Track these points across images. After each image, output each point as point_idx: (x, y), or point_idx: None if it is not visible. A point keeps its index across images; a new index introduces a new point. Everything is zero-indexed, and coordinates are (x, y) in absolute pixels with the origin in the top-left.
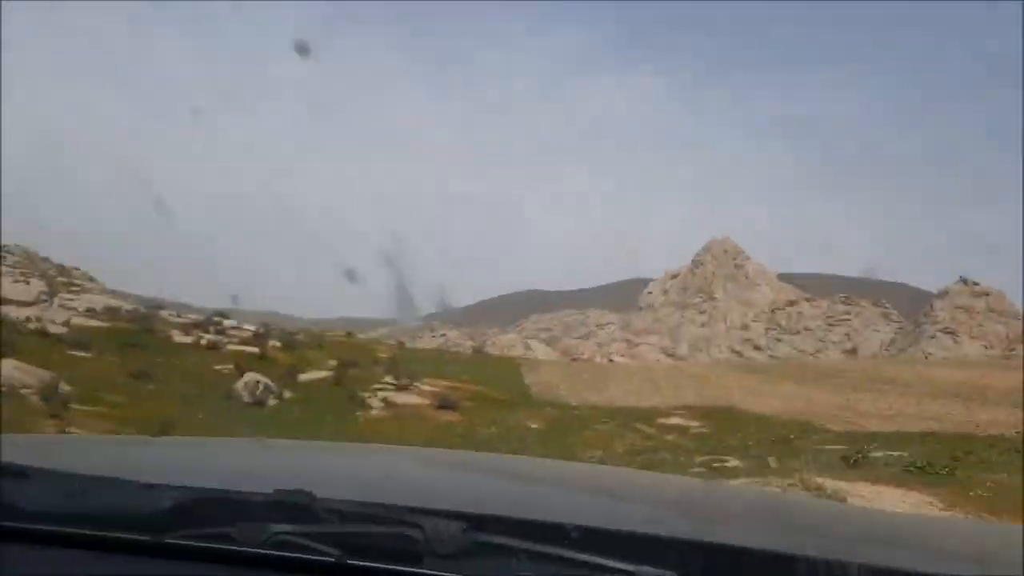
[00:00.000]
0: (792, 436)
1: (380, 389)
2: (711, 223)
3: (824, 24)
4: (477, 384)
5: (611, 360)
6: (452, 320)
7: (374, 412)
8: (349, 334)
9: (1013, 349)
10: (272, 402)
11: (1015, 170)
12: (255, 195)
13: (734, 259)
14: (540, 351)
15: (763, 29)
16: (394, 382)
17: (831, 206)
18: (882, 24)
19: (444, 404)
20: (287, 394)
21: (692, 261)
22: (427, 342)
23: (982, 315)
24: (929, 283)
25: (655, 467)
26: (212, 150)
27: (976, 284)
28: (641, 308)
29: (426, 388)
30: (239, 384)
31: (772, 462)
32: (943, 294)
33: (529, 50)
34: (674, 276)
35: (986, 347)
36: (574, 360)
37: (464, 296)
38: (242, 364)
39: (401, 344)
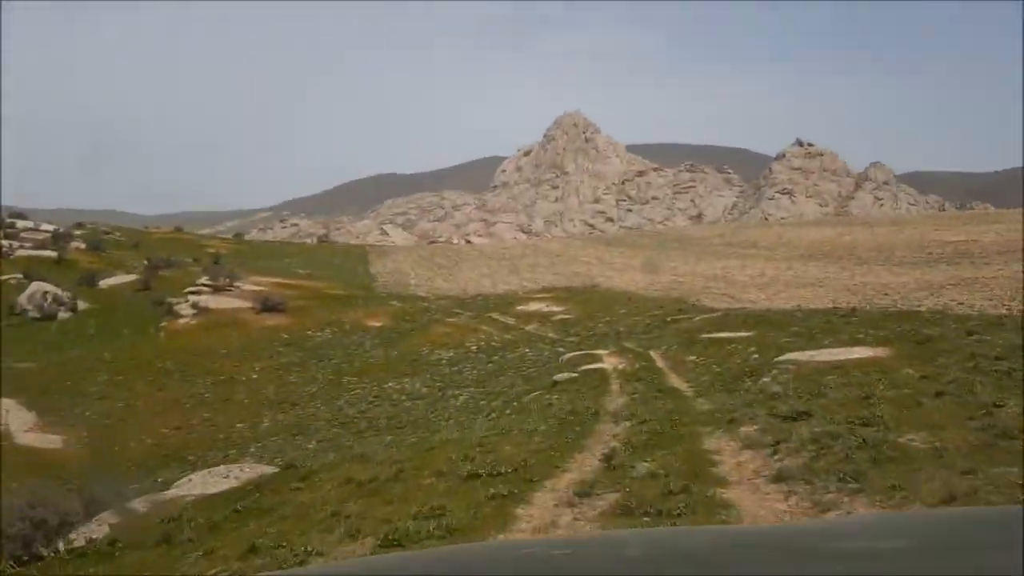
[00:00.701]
0: (668, 318)
1: (194, 292)
2: (563, 99)
3: None
4: (315, 279)
5: (468, 241)
6: (305, 208)
7: (182, 321)
8: (178, 229)
9: (845, 206)
10: (63, 315)
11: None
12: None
13: (584, 132)
14: (397, 236)
15: None
16: (210, 283)
17: (677, 82)
18: None
19: (268, 306)
20: (82, 304)
21: (543, 136)
22: (277, 233)
23: (816, 175)
24: (768, 147)
25: (514, 367)
26: None
27: (811, 145)
28: (496, 187)
29: (249, 288)
30: (22, 297)
31: (658, 359)
32: (780, 156)
33: None
34: (527, 153)
35: (821, 205)
36: (430, 243)
37: (318, 182)
38: (32, 271)
39: (239, 237)
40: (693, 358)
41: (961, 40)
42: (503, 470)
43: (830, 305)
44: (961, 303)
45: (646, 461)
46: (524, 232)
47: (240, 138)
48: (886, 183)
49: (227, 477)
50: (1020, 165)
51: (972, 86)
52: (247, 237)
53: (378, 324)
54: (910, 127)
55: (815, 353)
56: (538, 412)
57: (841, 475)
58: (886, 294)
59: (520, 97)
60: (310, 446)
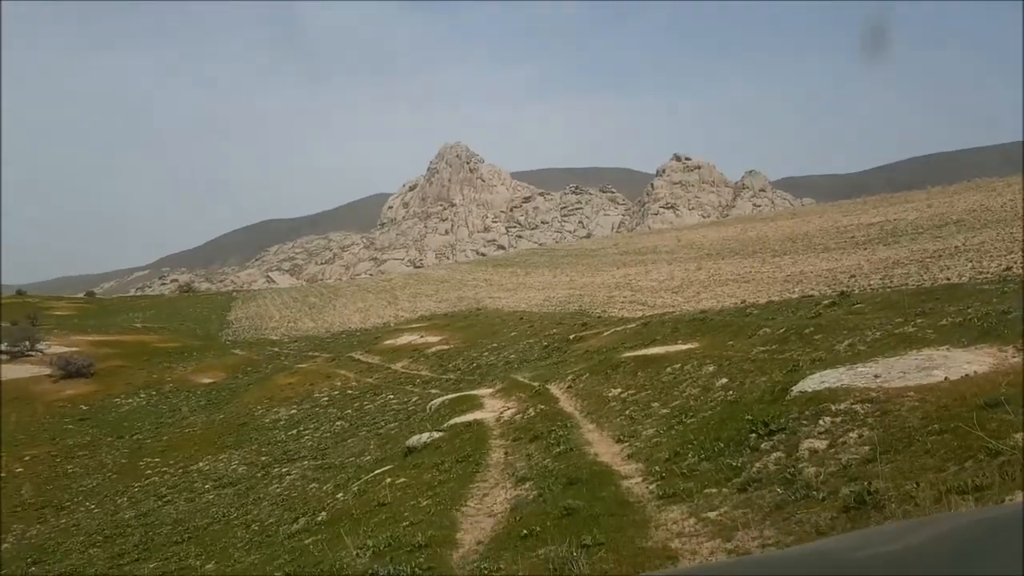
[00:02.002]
0: (570, 335)
1: None
2: (444, 133)
3: None
4: (151, 332)
5: (353, 279)
6: (186, 263)
7: None
8: (20, 293)
9: (726, 215)
10: None
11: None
12: None
13: (467, 163)
14: (284, 282)
15: None
16: (7, 349)
17: (554, 108)
18: None
19: (72, 371)
20: None
21: (428, 169)
22: (156, 290)
23: (696, 187)
24: (648, 164)
25: (371, 422)
26: None
27: (688, 159)
28: (383, 223)
29: (56, 351)
30: None
31: (562, 397)
32: (660, 173)
33: None
34: (412, 187)
35: (703, 216)
36: (311, 283)
37: (198, 234)
38: None
39: (91, 295)
40: (618, 392)
41: (821, 46)
42: None
43: (782, 297)
44: (982, 272)
45: None
46: (416, 267)
47: (114, 198)
48: (762, 190)
49: None
50: (884, 163)
51: (833, 92)
52: (99, 295)
53: (209, 380)
54: (779, 135)
55: (875, 370)
56: (374, 512)
57: None
58: (852, 276)
59: (402, 132)
60: None
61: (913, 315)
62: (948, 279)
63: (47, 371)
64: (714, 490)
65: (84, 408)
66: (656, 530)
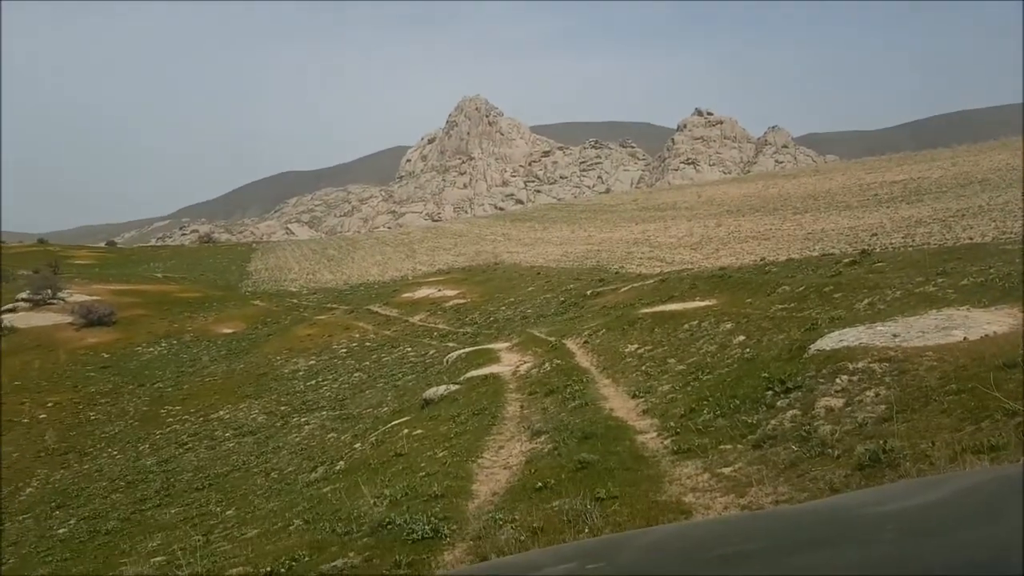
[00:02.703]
0: (588, 291)
1: (9, 310)
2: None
3: None
4: (172, 282)
5: (372, 232)
6: (205, 213)
7: None
8: (41, 241)
9: (748, 171)
10: None
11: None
12: None
13: (487, 116)
14: (303, 234)
15: None
16: (30, 297)
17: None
18: None
19: (93, 319)
20: None
21: (446, 122)
22: (176, 240)
23: (718, 143)
24: (669, 119)
25: (388, 374)
26: None
27: (711, 114)
28: (402, 177)
29: (78, 299)
30: None
31: (578, 351)
32: (682, 128)
33: None
34: (431, 140)
35: (724, 172)
36: (330, 235)
37: (218, 185)
38: None
39: (112, 245)
40: (634, 348)
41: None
42: None
43: (799, 255)
44: (1005, 232)
45: None
46: (433, 220)
47: (135, 146)
48: (785, 146)
49: None
50: (910, 120)
51: (859, 45)
52: (120, 245)
53: (230, 330)
54: (804, 91)
55: (893, 329)
56: (390, 462)
57: None
58: (874, 234)
59: (422, 84)
60: (62, 530)
61: (934, 274)
62: (971, 239)
63: (69, 319)
64: (729, 446)
65: (106, 356)
66: (670, 485)
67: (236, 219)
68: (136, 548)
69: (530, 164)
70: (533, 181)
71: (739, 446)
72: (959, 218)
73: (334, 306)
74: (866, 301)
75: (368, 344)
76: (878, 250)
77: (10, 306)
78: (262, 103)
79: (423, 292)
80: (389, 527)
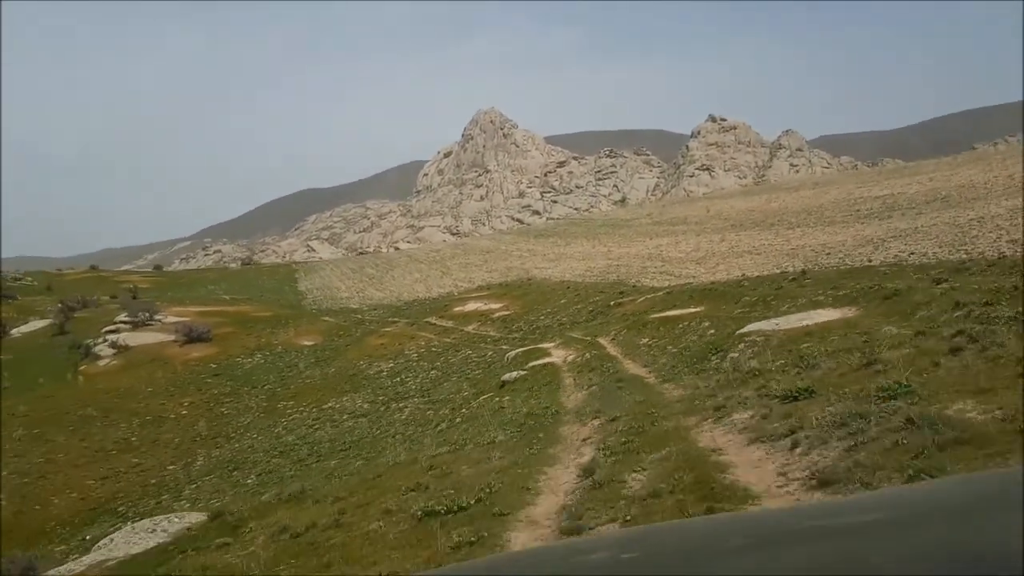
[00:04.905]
0: (611, 302)
1: (112, 331)
2: (478, 99)
3: None
4: (241, 303)
5: (397, 248)
6: (226, 233)
7: (102, 362)
8: (93, 268)
9: (763, 176)
10: None
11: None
12: None
13: (501, 129)
14: (324, 251)
15: None
16: (129, 319)
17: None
18: None
19: (193, 336)
20: None
21: (462, 136)
22: (200, 261)
23: (732, 148)
24: (683, 125)
25: (458, 371)
26: None
27: (724, 120)
28: (419, 191)
29: (171, 320)
30: None
31: (609, 345)
32: (696, 134)
33: None
34: (447, 154)
35: (740, 177)
36: (359, 254)
37: (238, 205)
38: None
39: (159, 269)
40: (646, 341)
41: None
42: (464, 503)
43: (776, 271)
44: (912, 252)
45: (637, 471)
46: (452, 233)
47: (152, 169)
48: (799, 149)
49: (153, 532)
50: (924, 119)
51: (872, 45)
52: (167, 268)
53: (311, 343)
54: (815, 92)
55: (779, 321)
56: (491, 418)
57: (910, 470)
58: (828, 253)
59: (436, 100)
60: (249, 481)
61: (829, 288)
62: (883, 259)
63: (171, 337)
64: (686, 378)
65: (213, 366)
66: (659, 390)
67: (257, 238)
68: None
69: (546, 175)
70: (549, 191)
71: (689, 377)
72: (900, 238)
73: (395, 320)
74: (785, 307)
75: (435, 349)
76: (815, 268)
77: (113, 327)
78: (283, 121)
79: (472, 306)
80: (530, 418)
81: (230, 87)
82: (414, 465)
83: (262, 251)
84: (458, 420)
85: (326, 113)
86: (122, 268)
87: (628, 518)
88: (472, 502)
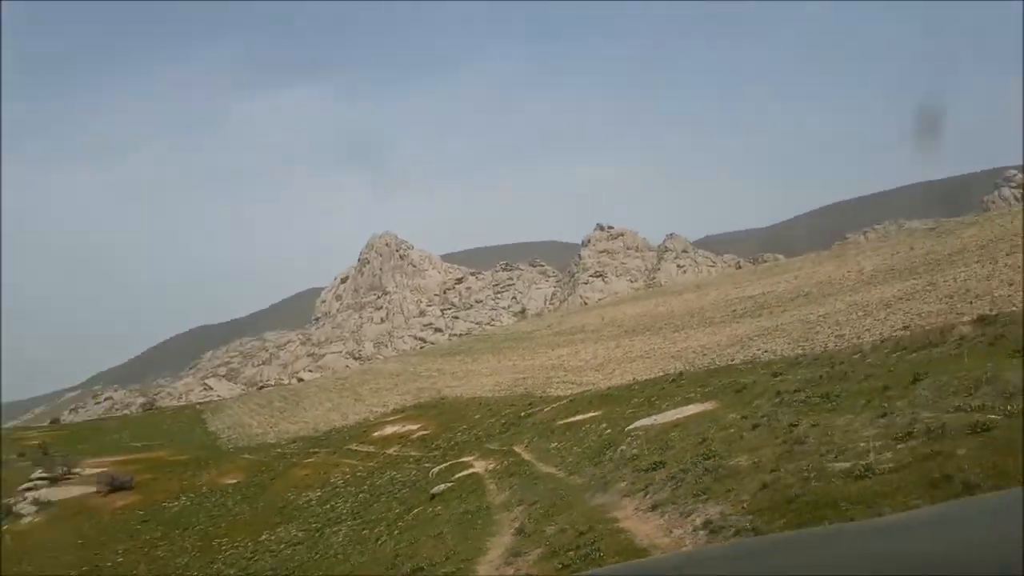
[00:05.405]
0: (521, 413)
1: (29, 488)
2: (373, 222)
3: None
4: (154, 449)
5: (300, 380)
6: (117, 379)
7: (25, 520)
8: None
9: (653, 278)
10: None
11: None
12: None
13: (398, 251)
14: (222, 388)
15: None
16: (46, 475)
17: (477, 187)
18: None
19: (116, 485)
20: None
21: (358, 260)
22: (91, 410)
23: (622, 254)
24: (574, 235)
25: (387, 492)
26: None
27: (611, 227)
28: (318, 318)
29: (90, 472)
30: None
31: (523, 452)
32: (586, 243)
33: None
34: (344, 279)
35: (631, 281)
36: (260, 388)
37: (127, 349)
38: None
39: (56, 422)
40: (555, 444)
41: (718, 106)
42: (438, 569)
43: (660, 373)
44: (766, 351)
45: (552, 525)
46: (355, 358)
47: (30, 318)
48: (684, 251)
49: None
50: (802, 212)
51: (736, 147)
52: (62, 420)
53: (234, 480)
54: (699, 195)
55: (658, 417)
56: (431, 521)
57: (695, 493)
58: (704, 354)
59: (330, 226)
60: None
61: (697, 386)
62: (744, 358)
63: (92, 488)
64: (588, 469)
65: (140, 512)
66: (567, 481)
67: (150, 381)
68: None
69: (445, 292)
70: (450, 308)
71: (590, 468)
72: (763, 336)
73: (316, 450)
74: (665, 404)
75: (360, 474)
76: (692, 369)
77: (31, 484)
78: (161, 261)
79: (390, 429)
80: (467, 515)
81: (89, 224)
82: (379, 557)
83: (156, 394)
84: (396, 533)
85: (209, 249)
86: (10, 424)
87: (547, 544)
88: (442, 561)
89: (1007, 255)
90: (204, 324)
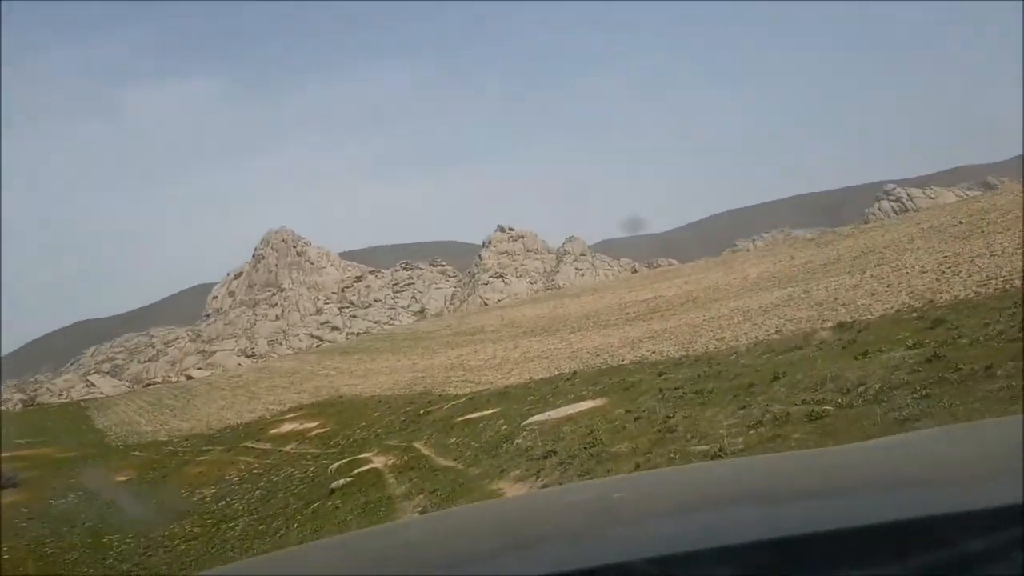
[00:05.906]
0: (420, 411)
1: None
2: (267, 216)
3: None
4: (40, 446)
5: (189, 377)
6: None
7: None
8: None
9: (552, 280)
10: None
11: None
12: None
13: (294, 247)
14: (106, 385)
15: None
16: None
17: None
18: None
19: (2, 483)
20: None
21: (253, 256)
22: None
23: (522, 256)
24: (475, 236)
25: (284, 488)
26: None
27: (512, 229)
28: (209, 315)
29: None
30: None
31: (423, 448)
32: (487, 244)
33: None
34: (237, 275)
35: (531, 283)
36: (146, 386)
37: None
38: None
39: None
40: (454, 440)
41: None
42: None
43: (556, 373)
44: (654, 352)
45: (454, 507)
46: (248, 356)
47: None
48: (583, 254)
49: None
50: (695, 219)
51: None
52: None
53: (125, 478)
54: (596, 199)
55: (552, 413)
56: (331, 515)
57: (579, 474)
58: (598, 355)
59: (224, 219)
60: None
61: (591, 385)
62: (634, 358)
63: None
64: (485, 461)
65: (25, 510)
66: (466, 472)
67: (27, 377)
68: None
69: (343, 290)
70: (348, 307)
71: (487, 460)
72: (652, 338)
73: (210, 448)
74: (559, 401)
75: (256, 471)
76: (585, 368)
77: None
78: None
79: (287, 427)
80: (368, 505)
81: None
82: (282, 548)
83: (35, 390)
84: (296, 526)
85: (94, 237)
86: None
87: None
88: None
89: (875, 266)
90: (85, 319)
